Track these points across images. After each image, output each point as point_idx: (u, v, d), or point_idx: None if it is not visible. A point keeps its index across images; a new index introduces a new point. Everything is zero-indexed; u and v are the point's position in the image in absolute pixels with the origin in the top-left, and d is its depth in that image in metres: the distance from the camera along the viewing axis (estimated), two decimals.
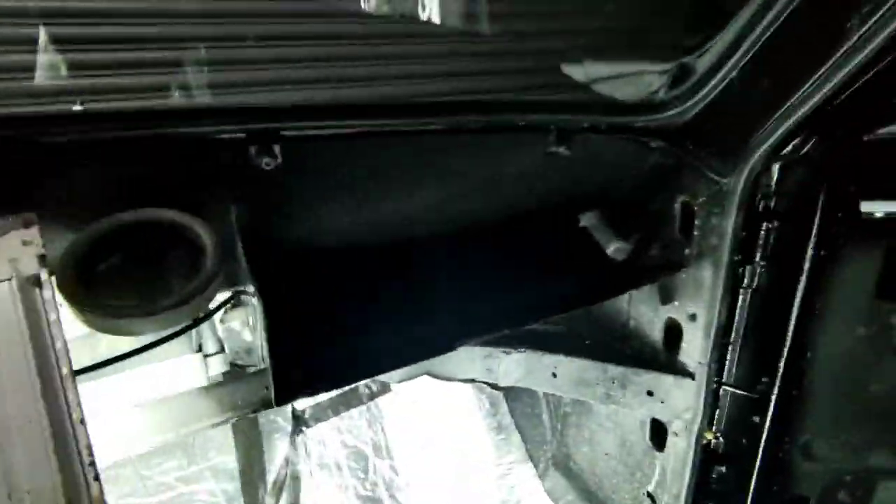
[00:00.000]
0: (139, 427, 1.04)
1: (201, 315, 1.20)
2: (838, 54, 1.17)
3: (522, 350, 2.15)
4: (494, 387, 2.58)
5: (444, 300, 1.43)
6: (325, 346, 1.23)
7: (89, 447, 0.80)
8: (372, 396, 2.49)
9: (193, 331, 1.35)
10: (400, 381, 2.44)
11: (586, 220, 2.01)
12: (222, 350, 1.49)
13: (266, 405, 1.09)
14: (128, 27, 1.05)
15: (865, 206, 1.43)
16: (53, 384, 0.85)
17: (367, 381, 2.55)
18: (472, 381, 2.50)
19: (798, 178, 1.55)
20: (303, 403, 2.33)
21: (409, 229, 1.53)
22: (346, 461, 2.32)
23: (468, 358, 2.29)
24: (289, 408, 2.22)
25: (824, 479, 1.83)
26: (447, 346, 1.31)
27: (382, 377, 2.49)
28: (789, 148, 1.51)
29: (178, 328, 1.14)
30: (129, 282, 1.04)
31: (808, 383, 1.70)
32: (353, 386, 2.50)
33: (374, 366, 1.20)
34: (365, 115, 1.30)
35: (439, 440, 2.47)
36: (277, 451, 2.05)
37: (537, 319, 1.48)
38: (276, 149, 1.24)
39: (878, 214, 1.45)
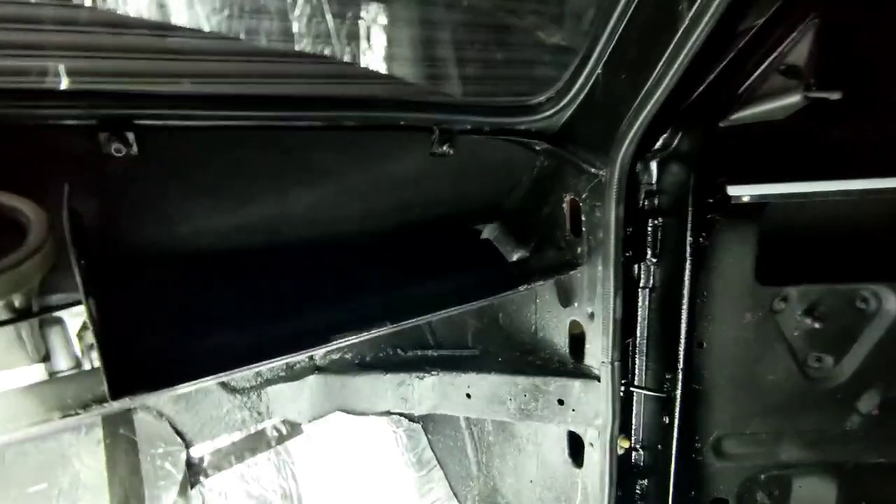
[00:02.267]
0: None
1: (21, 303, 1.07)
2: (675, 38, 1.25)
3: (435, 372, 2.07)
4: (411, 418, 2.45)
5: (317, 298, 1.35)
6: (167, 341, 1.12)
7: None
8: (281, 439, 2.30)
9: (34, 346, 1.21)
10: (311, 420, 2.28)
11: (488, 232, 2.03)
12: (78, 366, 1.34)
13: (99, 403, 0.97)
14: None
15: (733, 191, 1.50)
16: None
17: (276, 422, 2.37)
18: (388, 413, 2.37)
19: (674, 174, 1.61)
20: (200, 450, 2.12)
21: (281, 231, 1.47)
22: None
23: (381, 389, 2.18)
24: (182, 454, 2.01)
25: (740, 478, 1.80)
26: (322, 340, 1.23)
27: (292, 417, 2.33)
28: (659, 143, 1.60)
29: None
30: None
31: (707, 377, 1.70)
32: (259, 428, 2.31)
33: (224, 362, 1.09)
34: (229, 106, 1.28)
35: (355, 482, 2.29)
36: (163, 502, 1.83)
37: (425, 313, 1.41)
38: (130, 137, 1.19)
39: (745, 199, 1.51)
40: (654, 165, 1.63)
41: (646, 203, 1.65)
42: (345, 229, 1.56)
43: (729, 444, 1.77)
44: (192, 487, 2.04)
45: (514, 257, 1.95)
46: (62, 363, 1.26)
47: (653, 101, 1.36)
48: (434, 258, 1.73)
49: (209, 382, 1.11)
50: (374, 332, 1.30)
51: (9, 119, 1.09)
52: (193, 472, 2.02)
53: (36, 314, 1.10)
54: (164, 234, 1.27)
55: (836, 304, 1.63)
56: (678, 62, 1.27)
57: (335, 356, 2.33)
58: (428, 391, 2.09)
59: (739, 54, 1.38)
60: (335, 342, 1.23)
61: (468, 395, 2.01)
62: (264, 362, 1.14)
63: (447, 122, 1.56)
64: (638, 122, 1.42)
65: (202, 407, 2.10)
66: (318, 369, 2.30)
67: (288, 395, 2.27)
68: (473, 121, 1.59)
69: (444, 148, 1.56)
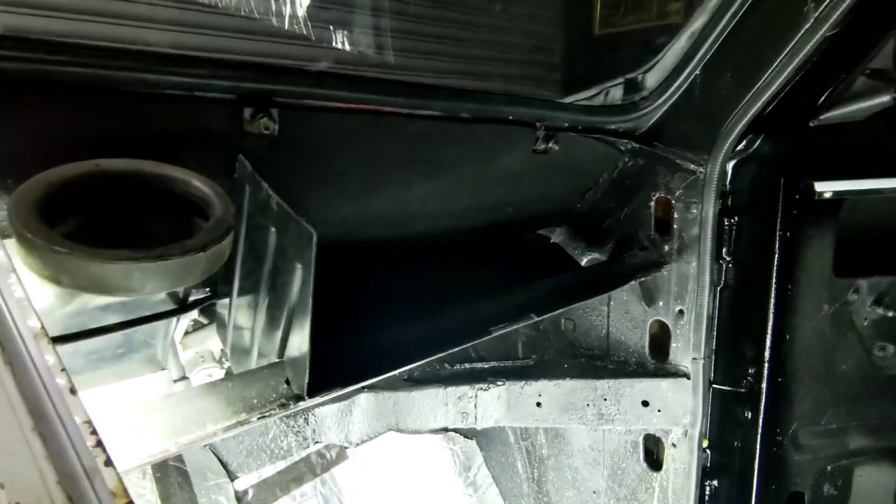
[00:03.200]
0: (137, 434, 0.71)
1: (203, 295, 0.91)
2: (796, 39, 1.33)
3: (501, 382, 1.99)
4: (467, 435, 2.34)
5: (453, 292, 1.27)
6: (343, 337, 1.01)
7: (90, 422, 0.52)
8: (326, 467, 2.10)
9: (160, 350, 1.03)
10: (360, 443, 2.11)
11: (556, 237, 2.01)
12: (183, 377, 1.16)
13: (292, 400, 0.83)
14: None
15: (819, 187, 1.58)
16: (14, 344, 0.57)
17: (322, 448, 2.18)
18: (445, 430, 2.25)
19: (753, 175, 1.69)
20: (245, 482, 1.90)
21: (400, 224, 1.39)
22: None
23: (439, 404, 2.07)
24: (230, 486, 1.79)
25: (814, 471, 1.84)
26: (482, 332, 1.15)
27: (339, 440, 2.15)
28: (743, 144, 1.67)
29: (163, 311, 0.85)
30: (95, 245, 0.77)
31: (790, 369, 1.75)
32: (303, 455, 2.11)
33: (405, 355, 0.99)
34: (364, 89, 1.20)
35: None
36: None
37: (563, 306, 1.37)
38: (275, 114, 1.08)
39: (827, 195, 1.60)
40: (729, 167, 1.69)
41: (729, 202, 1.70)
42: (452, 225, 1.49)
43: (805, 436, 1.82)
44: None
45: (584, 261, 1.95)
46: (174, 372, 1.09)
47: (761, 101, 1.43)
48: (524, 259, 1.69)
49: (384, 377, 0.99)
50: (523, 323, 1.23)
51: (150, 84, 0.96)
52: None
53: (192, 306, 0.94)
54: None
55: None
56: (795, 63, 1.34)
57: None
58: (493, 403, 2.01)
59: (825, 58, 1.48)
60: (493, 333, 1.15)
61: (538, 405, 1.95)
62: (438, 354, 1.05)
63: (548, 119, 1.55)
64: (743, 122, 1.48)
65: (248, 434, 1.89)
66: (365, 388, 2.16)
67: (335, 417, 2.10)
68: (570, 118, 1.60)
69: (549, 144, 1.55)
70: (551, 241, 1.97)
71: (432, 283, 1.32)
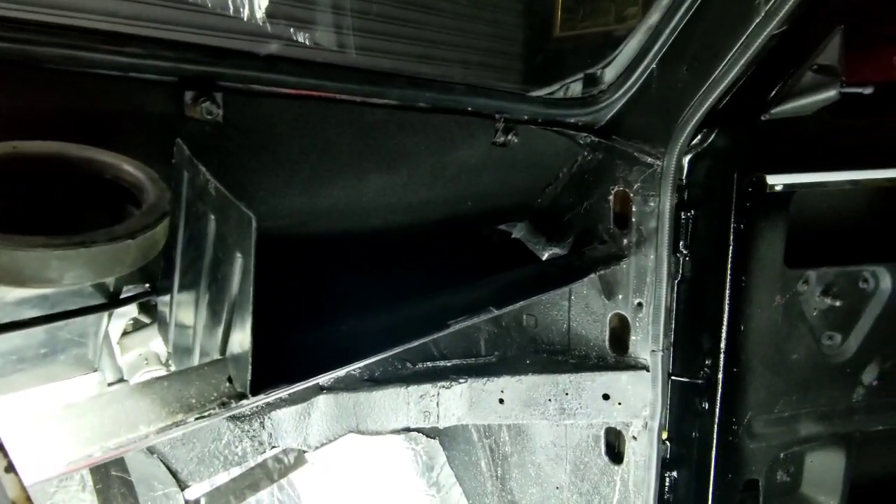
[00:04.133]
0: (56, 440, 0.64)
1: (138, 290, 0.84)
2: (748, 32, 1.35)
3: (463, 380, 1.97)
4: (429, 434, 2.30)
5: (418, 289, 1.24)
6: (290, 332, 0.96)
7: None
8: (284, 472, 2.03)
9: (92, 350, 0.95)
10: (320, 446, 2.05)
11: (517, 232, 2.00)
12: (121, 379, 1.08)
13: (234, 398, 0.77)
14: None
15: (771, 180, 1.62)
16: None
17: (279, 453, 2.10)
18: (407, 430, 2.21)
19: (707, 169, 1.71)
20: (197, 491, 1.81)
21: (353, 217, 1.35)
22: None
23: (401, 404, 2.03)
24: (180, 495, 1.70)
25: (768, 458, 1.89)
26: (440, 326, 1.11)
27: (297, 444, 2.08)
28: (697, 139, 1.69)
29: (92, 304, 0.78)
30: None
31: (744, 360, 1.78)
32: (259, 461, 2.03)
33: (359, 349, 0.95)
34: (317, 75, 1.15)
35: None
36: None
37: (523, 299, 1.35)
38: (219, 98, 1.02)
39: (779, 188, 1.64)
40: (685, 161, 1.72)
41: (686, 195, 1.72)
42: (409, 218, 1.45)
43: (759, 424, 1.86)
44: None
45: (545, 256, 1.94)
46: (109, 374, 1.01)
47: (715, 94, 1.45)
48: (484, 254, 1.67)
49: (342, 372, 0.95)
50: (483, 317, 1.20)
51: (81, 63, 0.89)
52: None
53: (124, 301, 0.86)
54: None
55: (846, 284, 1.81)
56: (747, 56, 1.37)
57: (341, 373, 2.14)
58: (455, 401, 1.98)
59: (776, 53, 1.52)
60: (452, 327, 1.12)
61: (501, 401, 1.93)
62: (393, 349, 1.01)
63: (508, 111, 1.54)
64: (698, 115, 1.50)
65: (199, 439, 1.80)
66: (324, 389, 2.10)
67: (293, 421, 2.03)
68: (530, 111, 1.59)
69: (509, 137, 1.53)
70: (512, 236, 1.96)
71: (389, 278, 1.28)
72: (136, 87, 0.96)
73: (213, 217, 0.79)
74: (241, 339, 0.76)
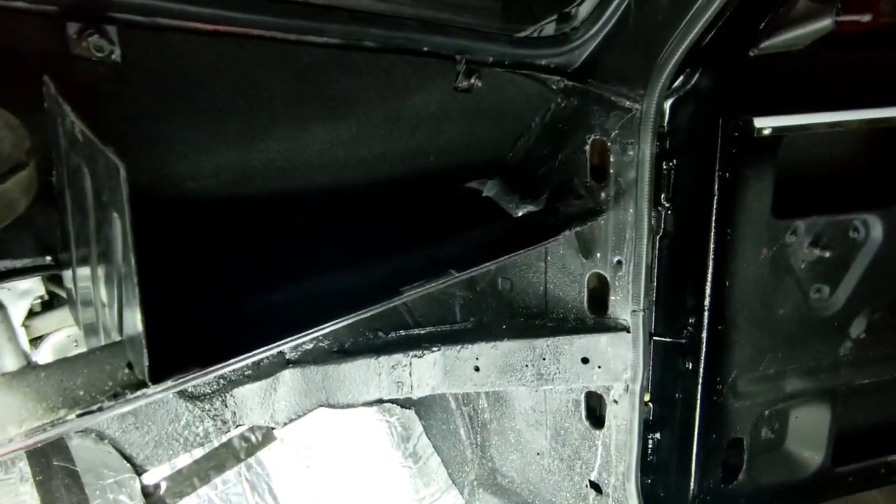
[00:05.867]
0: None
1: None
2: None
3: (436, 348, 1.86)
4: (404, 405, 2.22)
5: (359, 250, 1.11)
6: (211, 309, 0.82)
7: None
8: (251, 450, 1.94)
9: None
10: (288, 422, 1.95)
11: (488, 190, 1.86)
12: (27, 364, 0.96)
13: (131, 388, 0.65)
14: None
15: (759, 123, 1.49)
16: None
17: (245, 431, 2.00)
18: (380, 401, 2.11)
19: (690, 113, 1.58)
20: (156, 475, 1.71)
21: (294, 174, 1.19)
22: None
23: (372, 375, 1.93)
24: (136, 482, 1.60)
25: (752, 416, 1.83)
26: (392, 293, 0.99)
27: (263, 422, 1.98)
28: (679, 80, 1.55)
29: None
30: None
31: (729, 317, 1.69)
32: (224, 441, 1.93)
33: (285, 326, 0.82)
34: (233, 6, 0.98)
35: (345, 489, 2.00)
36: None
37: (487, 260, 1.23)
38: (112, 32, 0.85)
39: (767, 132, 1.51)
40: (667, 106, 1.58)
41: (667, 142, 1.59)
42: (362, 176, 1.30)
43: (744, 383, 1.79)
44: None
45: (520, 212, 1.81)
46: (8, 361, 0.88)
47: (697, 28, 1.31)
48: (451, 213, 1.54)
49: (263, 355, 0.82)
50: (442, 282, 1.08)
51: None
52: (151, 503, 1.62)
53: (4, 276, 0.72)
54: (154, 172, 0.94)
55: (836, 234, 1.71)
56: None
57: (309, 346, 2.02)
58: (429, 370, 1.88)
59: None
60: (406, 294, 1.00)
61: (476, 369, 1.84)
62: (335, 321, 0.88)
63: (470, 51, 1.38)
64: (680, 51, 1.35)
65: (154, 422, 1.69)
66: (291, 363, 1.99)
67: (257, 397, 1.92)
68: (495, 51, 1.42)
69: (472, 81, 1.37)
70: (483, 194, 1.82)
71: (339, 244, 1.15)
72: (6, 18, 0.79)
73: (85, 169, 0.65)
74: (133, 318, 0.63)
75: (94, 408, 0.63)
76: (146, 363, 0.64)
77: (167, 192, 0.94)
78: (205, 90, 0.99)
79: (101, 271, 0.74)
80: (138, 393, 0.66)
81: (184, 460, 1.78)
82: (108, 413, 0.65)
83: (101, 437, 1.58)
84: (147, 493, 1.64)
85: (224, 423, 1.86)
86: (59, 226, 0.83)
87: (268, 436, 1.98)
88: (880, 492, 2.38)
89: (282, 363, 1.98)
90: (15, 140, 0.62)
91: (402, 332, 2.11)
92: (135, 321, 0.63)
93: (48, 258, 0.91)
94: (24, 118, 0.73)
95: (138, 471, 1.65)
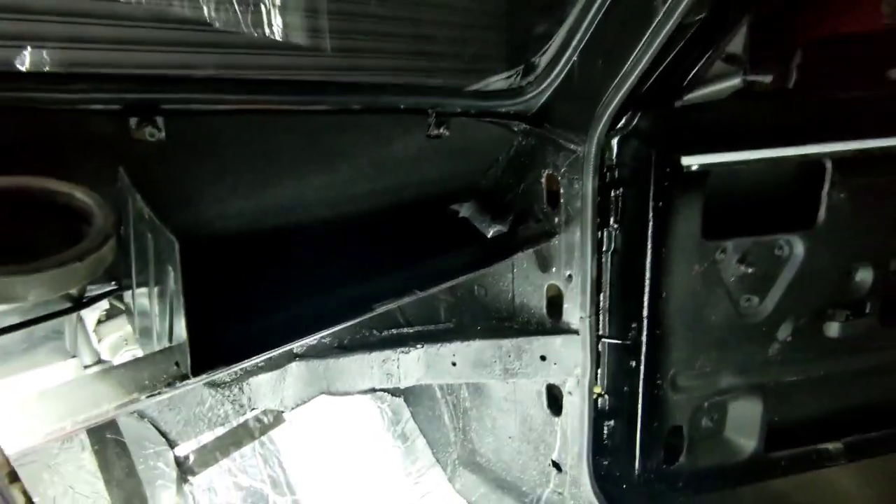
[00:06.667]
0: (34, 416, 0.85)
1: (86, 297, 1.03)
2: (651, 28, 1.48)
3: (420, 346, 2.18)
4: (395, 393, 2.54)
5: (347, 273, 1.43)
6: (234, 320, 1.15)
7: None
8: (264, 430, 2.28)
9: (68, 341, 1.15)
10: (295, 407, 2.29)
11: (465, 211, 2.17)
12: (98, 362, 1.29)
13: (178, 379, 0.97)
14: None
15: (686, 161, 1.77)
16: None
17: (259, 413, 2.35)
18: (373, 390, 2.44)
19: (634, 149, 1.86)
20: (186, 448, 2.06)
21: (299, 212, 1.52)
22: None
23: (366, 367, 2.25)
24: (170, 453, 1.95)
25: (690, 407, 2.12)
26: (366, 309, 1.31)
27: (274, 406, 2.32)
28: (622, 122, 1.83)
29: (59, 309, 0.98)
30: None
31: (666, 323, 1.98)
32: (241, 421, 2.28)
33: (290, 333, 1.14)
34: (250, 91, 1.30)
35: (343, 463, 2.34)
36: (163, 501, 1.77)
37: (445, 281, 1.54)
38: (160, 121, 1.18)
39: (694, 167, 1.80)
40: (614, 143, 1.86)
41: (608, 176, 1.88)
42: (353, 208, 1.62)
43: (682, 378, 2.08)
44: (181, 486, 1.99)
45: (490, 232, 2.11)
46: (87, 358, 1.21)
47: (627, 84, 1.59)
48: (427, 235, 1.85)
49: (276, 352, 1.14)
50: (407, 300, 1.39)
51: (35, 102, 1.05)
52: (181, 471, 1.97)
53: (87, 303, 1.05)
54: (191, 218, 1.27)
55: (761, 252, 1.99)
56: (651, 49, 1.50)
57: (313, 342, 2.35)
58: (413, 364, 2.20)
59: (688, 44, 1.64)
60: (377, 310, 1.31)
61: (453, 363, 2.15)
62: (321, 331, 1.20)
63: (440, 106, 1.68)
64: (614, 103, 1.64)
65: (185, 405, 2.03)
66: (297, 357, 2.32)
67: (269, 385, 2.26)
68: (462, 104, 1.72)
69: (441, 130, 1.68)
70: (460, 215, 2.13)
71: (335, 264, 1.47)
72: (86, 117, 1.12)
73: (149, 235, 0.96)
74: (179, 331, 0.94)
75: (156, 392, 0.96)
76: (189, 361, 0.96)
77: (201, 232, 1.26)
78: (228, 153, 1.31)
79: (156, 292, 1.06)
80: (183, 383, 0.98)
81: (208, 437, 2.13)
82: (164, 396, 0.97)
83: (142, 416, 1.93)
84: (178, 462, 1.99)
85: (241, 406, 2.20)
86: (124, 261, 1.16)
87: (278, 418, 2.32)
88: (853, 475, 2.65)
89: (290, 357, 2.31)
90: (105, 215, 0.93)
91: (394, 331, 2.43)
92: (181, 330, 0.94)
93: (113, 283, 1.24)
94: (103, 192, 1.05)
95: (171, 444, 2.00)
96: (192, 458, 2.06)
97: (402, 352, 2.19)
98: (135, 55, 1.14)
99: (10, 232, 0.91)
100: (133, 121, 1.14)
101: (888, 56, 2.18)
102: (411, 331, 2.45)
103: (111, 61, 1.12)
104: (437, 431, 2.57)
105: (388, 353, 2.20)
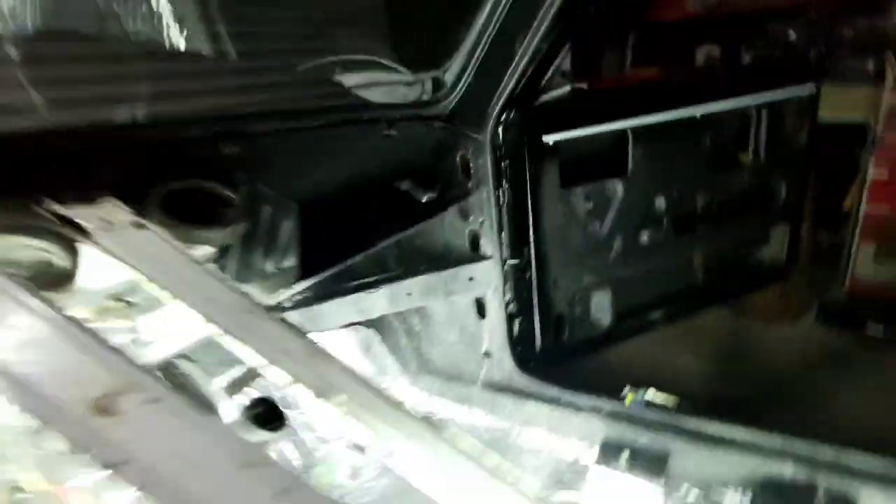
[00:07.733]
0: None
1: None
2: (517, 55, 2.44)
3: (384, 286, 3.05)
4: (367, 325, 3.38)
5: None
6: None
7: None
8: None
9: None
10: None
11: (405, 185, 3.05)
12: None
13: None
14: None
15: (546, 139, 2.80)
16: None
17: None
18: (351, 324, 3.27)
19: (513, 134, 2.84)
20: None
21: (323, 196, 2.35)
22: None
23: (344, 306, 3.07)
24: None
25: (567, 299, 3.22)
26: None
27: None
28: (504, 117, 2.81)
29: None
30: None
31: (545, 246, 3.04)
32: None
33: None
34: (286, 119, 2.10)
35: None
36: None
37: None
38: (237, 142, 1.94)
39: (551, 143, 2.83)
40: (500, 131, 2.83)
41: (499, 154, 2.85)
42: (345, 190, 2.46)
43: (559, 282, 3.16)
44: None
45: (424, 199, 3.02)
46: None
47: (507, 92, 2.56)
48: (384, 207, 2.73)
49: None
50: (372, 251, 2.28)
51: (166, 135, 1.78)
52: None
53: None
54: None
55: (598, 192, 3.09)
56: (520, 69, 2.47)
57: (300, 297, 3.12)
58: (380, 300, 3.06)
59: (539, 65, 2.64)
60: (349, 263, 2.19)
61: (409, 294, 3.04)
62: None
63: (388, 116, 2.54)
64: (499, 105, 2.60)
65: None
66: (290, 308, 3.08)
67: None
68: (402, 113, 2.60)
69: (391, 131, 2.55)
70: (402, 188, 3.01)
71: (322, 232, 2.30)
72: (189, 143, 1.86)
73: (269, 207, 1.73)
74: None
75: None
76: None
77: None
78: (272, 158, 2.09)
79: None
80: None
81: None
82: None
83: None
84: None
85: None
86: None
87: None
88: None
89: (280, 309, 3.07)
90: (238, 202, 1.67)
91: (361, 280, 3.27)
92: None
93: None
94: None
95: None
96: None
97: (370, 292, 3.04)
98: None
99: (194, 210, 1.64)
100: (222, 143, 1.89)
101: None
102: (373, 279, 3.30)
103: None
104: (398, 351, 3.46)
105: (360, 294, 3.04)
